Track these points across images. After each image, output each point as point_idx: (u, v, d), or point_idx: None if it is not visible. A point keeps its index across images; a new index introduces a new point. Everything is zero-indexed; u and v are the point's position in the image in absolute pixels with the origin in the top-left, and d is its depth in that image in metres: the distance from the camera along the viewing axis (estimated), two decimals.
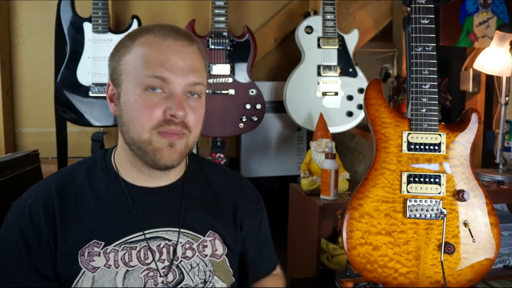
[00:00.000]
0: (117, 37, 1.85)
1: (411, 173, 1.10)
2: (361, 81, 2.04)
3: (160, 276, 0.84)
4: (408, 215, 1.10)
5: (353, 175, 1.96)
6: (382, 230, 1.10)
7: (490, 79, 2.27)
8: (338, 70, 2.01)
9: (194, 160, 0.98)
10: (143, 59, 0.81)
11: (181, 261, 0.87)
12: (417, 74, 1.11)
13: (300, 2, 2.34)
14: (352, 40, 2.04)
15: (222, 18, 1.93)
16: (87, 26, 1.86)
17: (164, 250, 0.86)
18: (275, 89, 2.22)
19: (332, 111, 2.01)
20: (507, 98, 1.87)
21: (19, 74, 2.10)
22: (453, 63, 2.47)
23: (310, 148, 1.78)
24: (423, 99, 1.11)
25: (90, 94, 1.85)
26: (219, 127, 1.95)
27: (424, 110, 1.11)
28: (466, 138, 1.12)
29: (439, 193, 1.10)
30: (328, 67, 2.01)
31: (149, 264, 0.84)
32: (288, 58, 2.31)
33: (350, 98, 2.03)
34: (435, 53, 1.12)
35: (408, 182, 1.10)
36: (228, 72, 1.93)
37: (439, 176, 1.10)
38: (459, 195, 1.09)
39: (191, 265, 0.87)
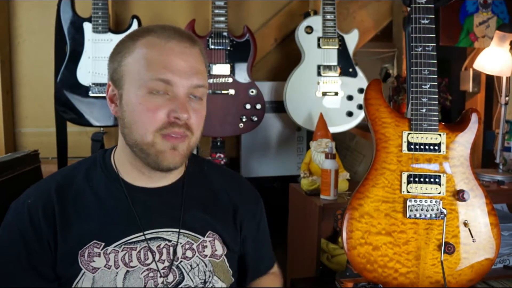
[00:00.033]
0: (117, 37, 1.85)
1: (411, 173, 1.10)
2: (361, 81, 2.03)
3: (160, 276, 0.84)
4: (408, 215, 1.10)
5: (353, 175, 1.96)
6: (382, 230, 1.10)
7: (490, 79, 2.27)
8: (338, 70, 2.01)
9: (194, 161, 0.98)
10: (145, 60, 0.81)
11: (181, 261, 0.87)
12: (417, 74, 1.11)
13: (300, 2, 2.34)
14: (352, 40, 2.04)
15: (222, 18, 1.93)
16: (87, 26, 1.86)
17: (164, 250, 0.86)
18: (275, 89, 2.21)
19: (332, 111, 2.01)
20: (507, 98, 1.87)
21: (19, 74, 2.10)
22: (453, 63, 2.47)
23: (310, 148, 1.78)
24: (423, 99, 1.11)
25: (90, 94, 1.85)
26: (219, 127, 1.95)
27: (424, 110, 1.11)
28: (466, 138, 1.12)
29: (439, 193, 1.10)
30: (328, 67, 2.00)
31: (149, 264, 0.84)
32: (288, 58, 2.31)
33: (350, 98, 2.03)
34: (435, 53, 1.12)
35: (408, 182, 1.10)
36: (228, 72, 1.93)
37: (439, 176, 1.10)
38: (459, 195, 1.09)
39: (191, 265, 0.87)
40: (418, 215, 1.10)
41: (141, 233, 0.85)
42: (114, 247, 0.83)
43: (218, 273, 0.90)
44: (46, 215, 0.82)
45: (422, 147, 1.11)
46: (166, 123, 0.80)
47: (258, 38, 2.03)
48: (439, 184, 1.10)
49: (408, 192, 1.10)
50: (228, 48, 1.94)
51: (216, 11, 1.93)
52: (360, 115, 2.04)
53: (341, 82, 2.02)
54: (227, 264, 0.93)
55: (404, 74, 2.47)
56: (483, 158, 2.34)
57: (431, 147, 1.11)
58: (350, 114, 2.03)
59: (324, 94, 2.01)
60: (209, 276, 0.89)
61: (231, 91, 1.94)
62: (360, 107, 2.03)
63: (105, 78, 1.81)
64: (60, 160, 1.97)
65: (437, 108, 1.11)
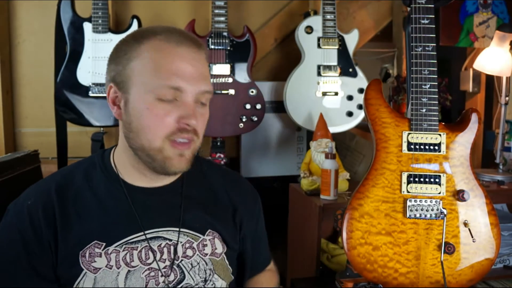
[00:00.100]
0: (117, 37, 1.85)
1: (411, 173, 1.10)
2: (361, 81, 2.03)
3: (162, 275, 0.84)
4: (408, 215, 1.10)
5: (353, 175, 1.96)
6: (382, 230, 1.10)
7: (490, 79, 2.27)
8: (338, 70, 2.01)
9: (194, 161, 0.98)
10: (154, 65, 0.80)
11: (181, 260, 0.87)
12: (417, 74, 1.11)
13: (300, 2, 2.34)
14: (352, 40, 2.04)
15: (222, 18, 1.93)
16: (87, 26, 1.86)
17: (165, 249, 0.86)
18: (275, 89, 2.21)
19: (332, 111, 2.01)
20: (507, 98, 1.87)
21: (19, 74, 2.10)
22: (453, 63, 2.47)
23: (310, 148, 1.78)
24: (423, 99, 1.11)
25: (90, 94, 1.85)
26: (219, 127, 1.95)
27: (424, 110, 1.11)
28: (466, 138, 1.12)
29: (439, 193, 1.10)
30: (328, 67, 2.00)
31: (150, 264, 0.84)
32: (288, 58, 2.31)
33: (350, 98, 2.03)
34: (435, 53, 1.12)
35: (408, 182, 1.10)
36: (228, 72, 1.93)
37: (439, 176, 1.10)
38: (459, 195, 1.09)
39: (191, 264, 0.88)
40: (418, 215, 1.10)
41: (142, 233, 0.85)
42: (115, 247, 0.83)
43: (218, 271, 0.90)
44: (46, 215, 0.82)
45: (422, 147, 1.11)
46: (175, 129, 0.81)
47: (258, 38, 2.03)
48: (439, 184, 1.10)
49: (408, 192, 1.10)
50: (228, 48, 1.94)
51: (216, 11, 1.93)
52: (360, 115, 2.04)
53: (341, 82, 2.02)
54: (227, 262, 0.93)
55: (404, 74, 2.47)
56: (483, 158, 2.34)
57: (431, 147, 1.11)
58: (350, 114, 2.03)
59: (324, 94, 2.01)
60: (210, 275, 0.89)
61: (231, 91, 1.94)
62: (360, 107, 2.03)
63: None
64: (60, 160, 1.97)
65: (437, 108, 1.11)
